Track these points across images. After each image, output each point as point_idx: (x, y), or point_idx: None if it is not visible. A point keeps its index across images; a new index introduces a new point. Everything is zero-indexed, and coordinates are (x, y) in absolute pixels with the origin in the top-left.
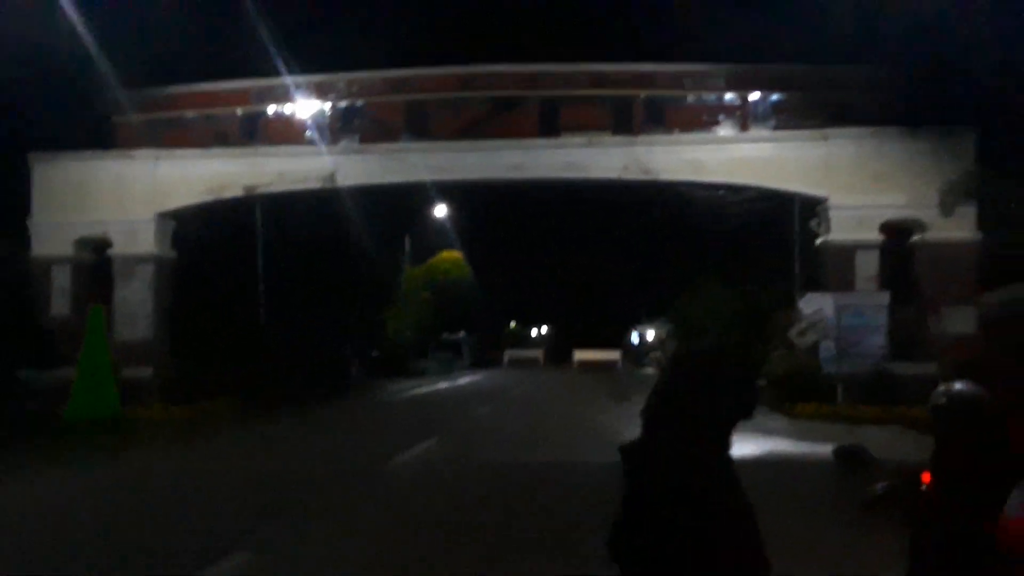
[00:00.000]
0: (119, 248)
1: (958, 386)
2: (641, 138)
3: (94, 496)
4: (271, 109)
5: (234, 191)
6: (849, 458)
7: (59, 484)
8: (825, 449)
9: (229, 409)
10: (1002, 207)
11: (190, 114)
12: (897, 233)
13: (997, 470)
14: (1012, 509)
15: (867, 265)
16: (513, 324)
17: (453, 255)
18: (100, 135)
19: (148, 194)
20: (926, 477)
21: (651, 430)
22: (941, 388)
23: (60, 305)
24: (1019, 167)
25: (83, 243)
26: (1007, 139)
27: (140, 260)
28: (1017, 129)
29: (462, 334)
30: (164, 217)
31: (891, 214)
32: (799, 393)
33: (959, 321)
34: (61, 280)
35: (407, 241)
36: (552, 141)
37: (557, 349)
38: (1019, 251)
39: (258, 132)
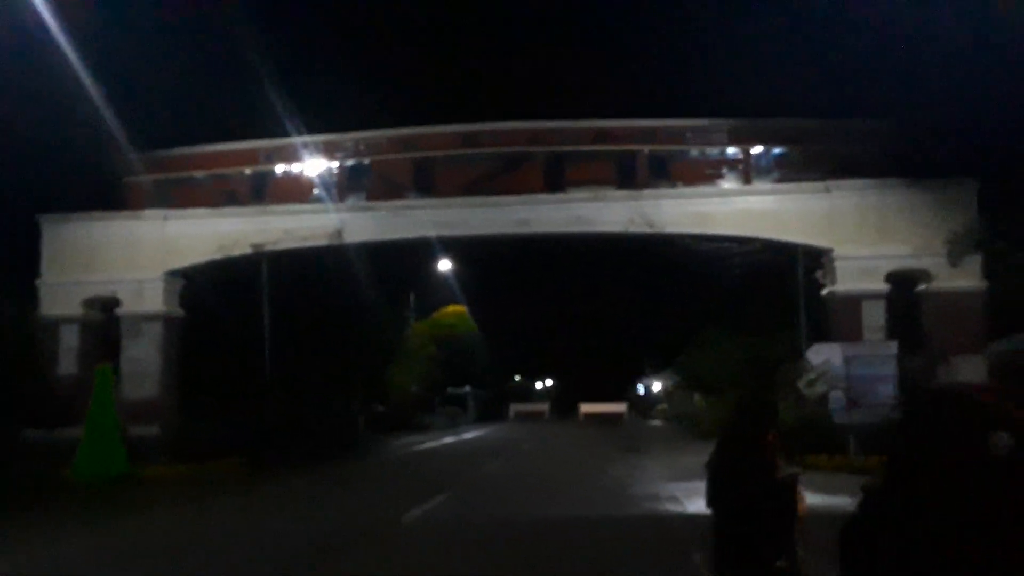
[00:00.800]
0: (127, 307)
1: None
2: (646, 192)
3: (102, 557)
4: (279, 168)
5: (242, 249)
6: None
7: (65, 544)
8: (841, 501)
9: (236, 468)
10: (1006, 256)
11: (199, 174)
12: (903, 283)
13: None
14: None
15: (874, 315)
16: (518, 377)
17: (458, 309)
18: (110, 196)
19: (157, 253)
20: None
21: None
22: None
23: (68, 364)
24: (1020, 216)
25: (91, 303)
26: (1007, 189)
27: (148, 318)
28: (1016, 179)
29: (467, 388)
30: (172, 276)
31: (896, 264)
32: (810, 444)
33: (968, 370)
34: (69, 339)
35: (412, 296)
36: (558, 196)
37: (562, 402)
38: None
39: (266, 191)
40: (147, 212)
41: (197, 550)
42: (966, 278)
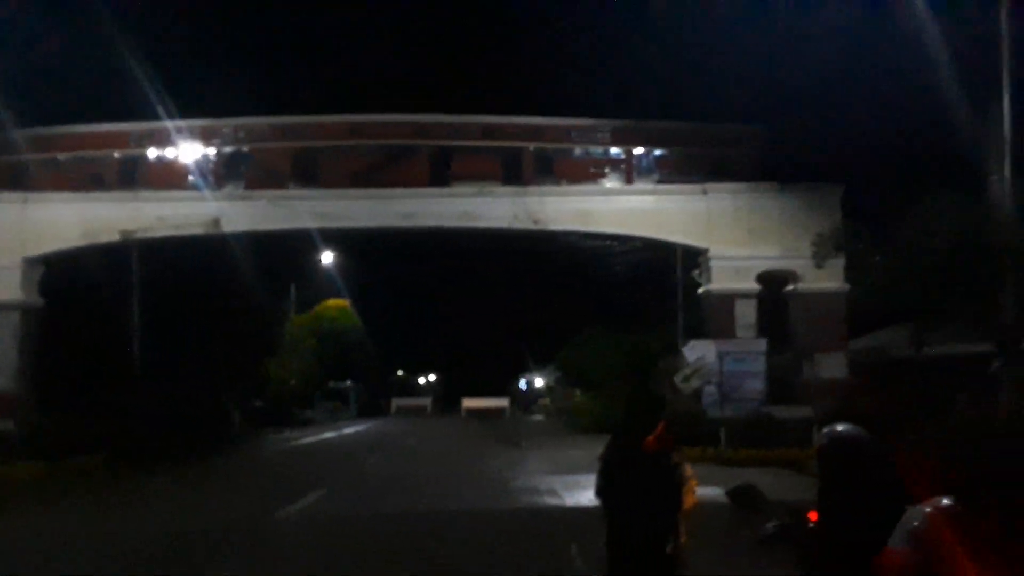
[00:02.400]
0: None
1: (840, 427)
2: (531, 188)
3: None
4: (152, 153)
5: (110, 235)
6: (742, 498)
7: None
8: (713, 491)
9: (98, 465)
10: (866, 259)
11: (62, 156)
12: (772, 283)
13: (880, 507)
14: (894, 542)
15: (746, 313)
16: (401, 372)
17: (340, 303)
18: None
19: (14, 238)
20: (813, 515)
21: None
22: (825, 430)
23: None
24: (879, 221)
25: None
26: (868, 194)
27: (4, 307)
28: (875, 184)
29: (348, 382)
30: (32, 262)
31: (767, 265)
32: (684, 437)
33: (831, 366)
34: None
35: (293, 288)
36: (443, 190)
37: (445, 397)
38: (882, 300)
39: (137, 176)
40: (4, 194)
41: (50, 556)
42: (830, 279)
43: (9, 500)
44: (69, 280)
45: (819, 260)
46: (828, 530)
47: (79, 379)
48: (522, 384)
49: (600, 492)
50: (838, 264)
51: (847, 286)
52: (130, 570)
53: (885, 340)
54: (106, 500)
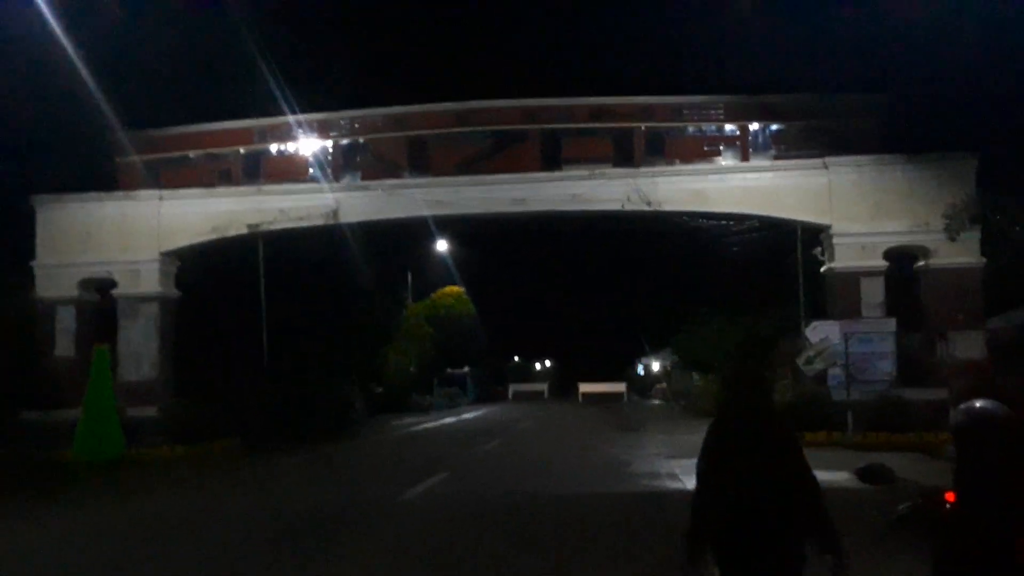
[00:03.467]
0: (123, 288)
1: (979, 404)
2: (643, 169)
3: (106, 537)
4: (274, 148)
5: (238, 229)
6: (873, 476)
7: (65, 525)
8: (840, 476)
9: (233, 449)
10: (1005, 232)
11: (193, 154)
12: (901, 259)
13: (1022, 486)
14: None
15: (872, 292)
16: (517, 358)
17: (455, 290)
18: (104, 177)
19: (152, 234)
20: (950, 496)
21: None
22: (962, 407)
23: (64, 346)
24: (1018, 192)
25: (87, 284)
26: (1006, 163)
27: (144, 300)
28: (1016, 153)
29: (466, 369)
30: (168, 256)
31: (895, 241)
32: (808, 421)
33: (967, 346)
34: (65, 321)
35: (409, 276)
36: (554, 174)
37: (561, 382)
38: (1021, 275)
39: (261, 170)
40: (142, 192)
41: (191, 530)
42: (964, 254)
43: (155, 480)
44: (201, 273)
45: (953, 233)
46: (966, 511)
47: (212, 367)
48: (639, 368)
49: (703, 476)
50: (973, 238)
51: (983, 260)
52: (271, 544)
53: None
54: (241, 482)
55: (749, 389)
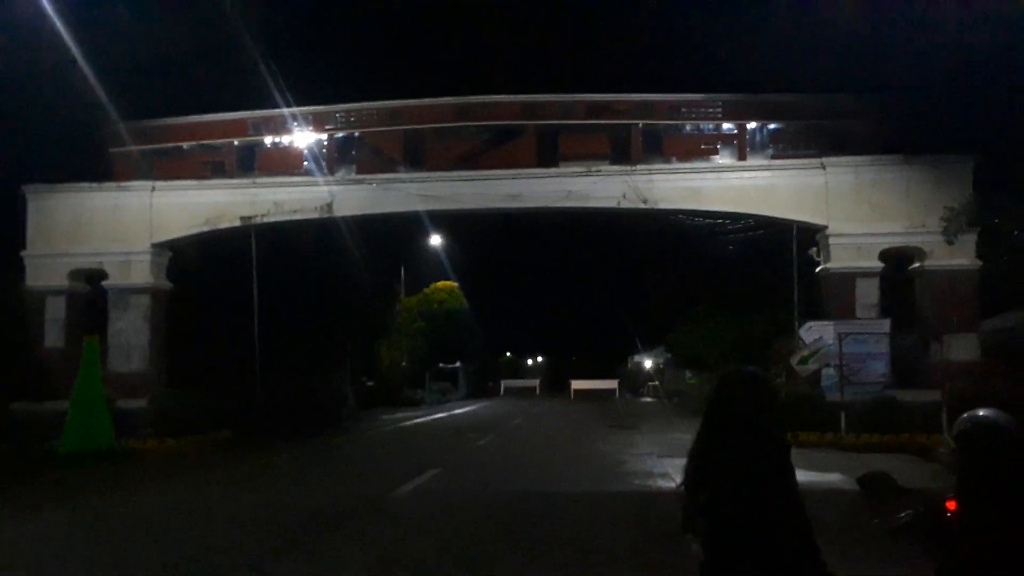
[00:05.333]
0: (114, 279)
1: (982, 412)
2: (639, 167)
3: (93, 531)
4: (268, 140)
5: (231, 221)
6: (875, 485)
7: (52, 518)
8: (836, 478)
9: (224, 442)
10: (1002, 234)
11: (186, 145)
12: (897, 260)
13: None
14: None
15: (867, 293)
16: (509, 354)
17: (448, 285)
18: (96, 167)
19: (144, 225)
20: (951, 505)
21: None
22: (965, 415)
23: (54, 337)
24: (1015, 194)
25: (78, 274)
26: (1004, 165)
27: (135, 291)
28: (1014, 155)
29: (458, 364)
30: (160, 248)
31: (891, 242)
32: (802, 421)
33: (962, 348)
34: (55, 312)
35: (402, 271)
36: (550, 171)
37: (553, 378)
38: (1017, 278)
39: (255, 162)
40: (134, 183)
41: (178, 525)
42: (960, 256)
43: (146, 473)
44: (193, 265)
45: (950, 235)
46: (969, 519)
47: (204, 359)
48: (631, 365)
49: (689, 483)
50: (969, 240)
51: (979, 262)
52: (258, 542)
53: (1021, 320)
54: (231, 476)
55: (749, 395)
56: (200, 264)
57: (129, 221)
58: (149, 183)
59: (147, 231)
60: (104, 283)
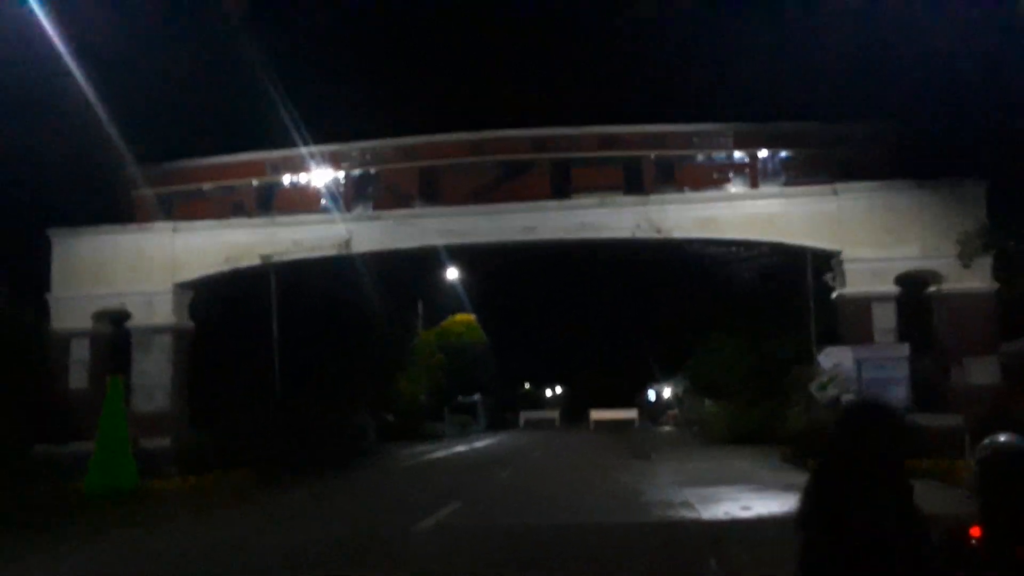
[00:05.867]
0: (137, 319)
1: (1003, 438)
2: (653, 197)
3: (120, 572)
4: (286, 179)
5: (251, 260)
6: None
7: (78, 560)
8: None
9: (247, 479)
10: (1017, 257)
11: (207, 186)
12: (913, 284)
13: None
14: None
15: (884, 317)
16: (527, 385)
17: (466, 318)
18: (119, 209)
19: (166, 266)
20: (975, 531)
21: None
22: (986, 441)
23: (78, 378)
24: None
25: (101, 316)
26: (1017, 188)
27: (158, 331)
28: None
29: (477, 396)
30: (182, 288)
31: (906, 266)
32: (821, 449)
33: (982, 372)
34: (79, 353)
35: (420, 305)
36: (564, 203)
37: (572, 409)
38: None
39: (273, 202)
40: (156, 224)
41: (204, 563)
42: (977, 279)
43: (170, 511)
44: (215, 304)
45: (966, 259)
46: (993, 546)
47: (225, 398)
48: (650, 395)
49: (804, 524)
50: (986, 263)
51: (996, 285)
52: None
53: None
54: (253, 513)
55: (884, 432)
56: (221, 303)
57: (151, 262)
58: (171, 224)
59: (169, 271)
60: (127, 323)
